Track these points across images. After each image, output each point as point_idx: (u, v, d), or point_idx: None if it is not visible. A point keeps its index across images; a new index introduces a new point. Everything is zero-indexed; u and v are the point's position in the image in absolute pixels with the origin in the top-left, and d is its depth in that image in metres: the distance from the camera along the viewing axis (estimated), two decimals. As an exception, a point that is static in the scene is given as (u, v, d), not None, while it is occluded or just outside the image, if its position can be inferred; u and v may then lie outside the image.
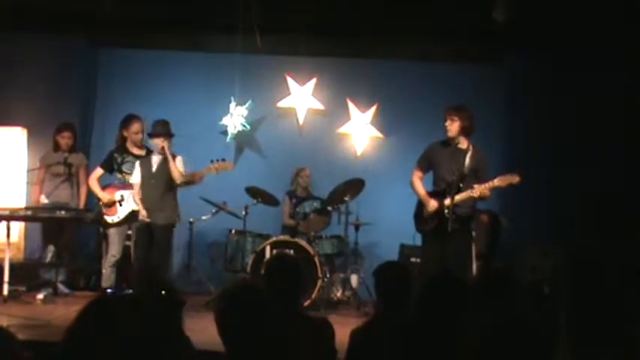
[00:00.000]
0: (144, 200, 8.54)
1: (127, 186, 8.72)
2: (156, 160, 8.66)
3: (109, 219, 8.70)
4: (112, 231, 8.74)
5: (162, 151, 8.43)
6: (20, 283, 9.89)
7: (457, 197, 7.82)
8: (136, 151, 8.81)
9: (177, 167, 8.49)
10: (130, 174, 8.73)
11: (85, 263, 10.31)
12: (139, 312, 1.97)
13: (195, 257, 10.53)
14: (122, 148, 8.82)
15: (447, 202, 7.84)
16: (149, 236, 8.55)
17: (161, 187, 8.53)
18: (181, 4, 10.53)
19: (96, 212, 9.18)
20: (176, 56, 11.71)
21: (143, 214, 8.47)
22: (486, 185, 7.81)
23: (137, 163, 8.63)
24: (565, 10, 9.58)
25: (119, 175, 8.79)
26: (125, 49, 11.74)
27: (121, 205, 8.68)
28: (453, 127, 7.94)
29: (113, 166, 8.82)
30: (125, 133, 8.80)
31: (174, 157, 8.54)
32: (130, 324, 1.92)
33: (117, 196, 8.68)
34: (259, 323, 3.35)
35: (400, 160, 10.61)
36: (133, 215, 8.68)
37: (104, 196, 8.71)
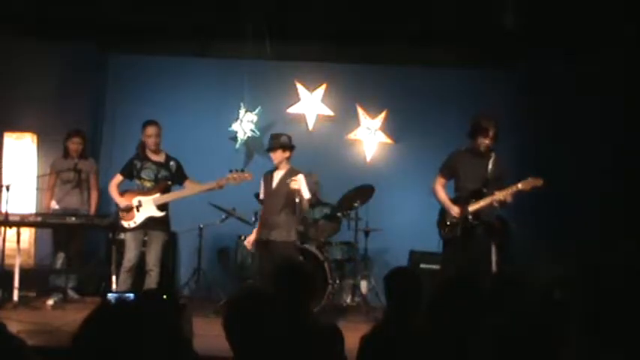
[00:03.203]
0: None
1: (145, 192, 8.73)
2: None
3: (125, 224, 8.71)
4: (128, 236, 8.75)
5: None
6: (30, 289, 9.92)
7: (481, 203, 7.86)
8: (154, 157, 8.82)
9: None
10: (149, 180, 8.76)
11: (95, 269, 10.31)
12: (141, 317, 1.96)
13: (204, 263, 10.53)
14: (142, 154, 8.84)
15: (471, 208, 7.83)
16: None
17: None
18: (191, 10, 10.53)
19: (113, 217, 9.20)
20: (186, 62, 11.73)
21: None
22: (509, 190, 7.78)
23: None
24: (574, 17, 9.56)
25: (138, 182, 8.80)
26: (135, 55, 11.76)
27: (138, 211, 8.69)
28: (491, 137, 7.90)
29: (132, 173, 8.83)
30: (143, 139, 8.83)
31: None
32: (132, 329, 1.91)
33: (134, 202, 8.69)
34: (268, 330, 3.35)
35: (410, 166, 10.61)
36: (149, 221, 8.69)
37: (122, 201, 8.73)
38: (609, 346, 3.21)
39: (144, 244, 8.86)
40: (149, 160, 8.81)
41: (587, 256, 8.42)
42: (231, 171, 8.70)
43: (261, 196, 8.93)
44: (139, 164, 8.80)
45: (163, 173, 8.87)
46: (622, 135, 9.92)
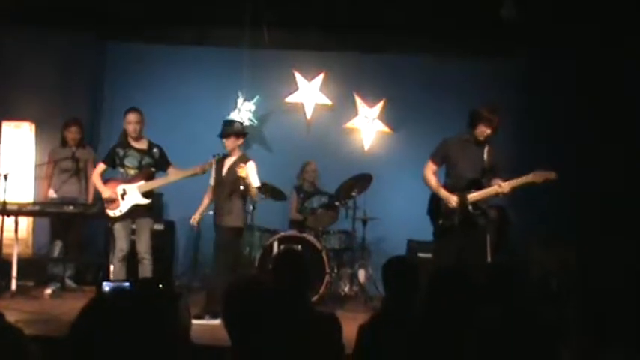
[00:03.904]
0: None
1: (130, 180, 8.71)
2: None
3: (111, 213, 8.68)
4: (116, 226, 8.72)
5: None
6: (28, 278, 9.94)
7: (482, 193, 7.81)
8: (136, 144, 8.79)
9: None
10: (132, 168, 8.74)
11: (93, 258, 10.32)
12: (137, 305, 1.96)
13: (201, 252, 10.53)
14: (124, 142, 8.80)
15: (472, 197, 7.79)
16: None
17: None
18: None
19: (99, 207, 9.18)
20: (183, 51, 11.71)
21: None
22: (519, 181, 7.72)
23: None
24: (576, 8, 9.56)
25: (121, 170, 8.77)
26: (133, 44, 11.76)
27: (123, 199, 8.67)
28: (493, 127, 7.87)
29: (115, 161, 8.80)
30: (124, 126, 8.79)
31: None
32: (128, 318, 1.92)
33: (119, 190, 8.66)
34: (266, 318, 3.35)
35: (408, 155, 10.61)
36: (135, 209, 8.68)
37: (105, 190, 8.69)
38: (608, 341, 3.23)
39: (133, 232, 8.85)
40: (132, 147, 8.76)
41: (585, 250, 8.43)
42: (214, 156, 8.71)
43: (211, 181, 8.87)
44: (121, 152, 8.76)
45: (147, 160, 8.82)
46: (620, 126, 9.91)
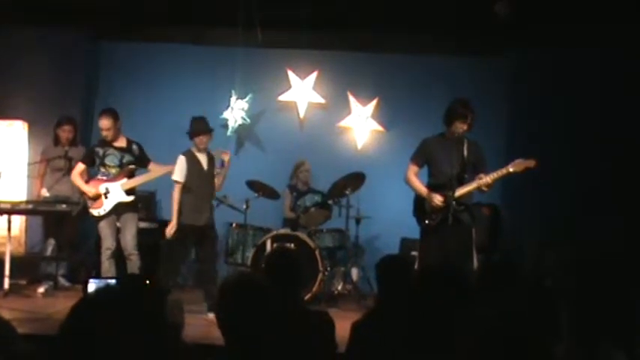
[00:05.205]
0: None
1: (111, 178, 8.71)
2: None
3: (94, 212, 8.68)
4: (102, 224, 8.72)
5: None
6: (21, 277, 9.94)
7: (466, 188, 7.83)
8: (115, 143, 8.79)
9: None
10: (114, 166, 8.74)
11: (86, 256, 10.31)
12: (123, 302, 1.96)
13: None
14: (103, 141, 8.80)
15: (457, 193, 7.80)
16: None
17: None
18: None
19: (81, 206, 9.17)
20: (177, 49, 11.71)
21: None
22: (499, 172, 7.75)
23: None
24: (567, 7, 9.58)
25: (102, 169, 8.76)
26: (126, 42, 11.75)
27: (106, 197, 8.68)
28: (468, 123, 7.90)
29: (95, 160, 8.80)
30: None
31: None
32: (113, 315, 1.91)
33: (102, 189, 8.66)
34: (259, 317, 3.35)
35: (401, 154, 10.55)
36: (119, 206, 8.68)
37: (89, 190, 8.69)
38: (601, 340, 3.23)
39: (118, 231, 8.86)
40: (111, 146, 8.76)
41: (579, 246, 8.43)
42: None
43: (179, 177, 8.69)
44: (101, 151, 8.76)
45: (128, 158, 8.84)
46: (608, 120, 9.92)
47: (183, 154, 8.73)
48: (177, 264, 8.95)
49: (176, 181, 8.67)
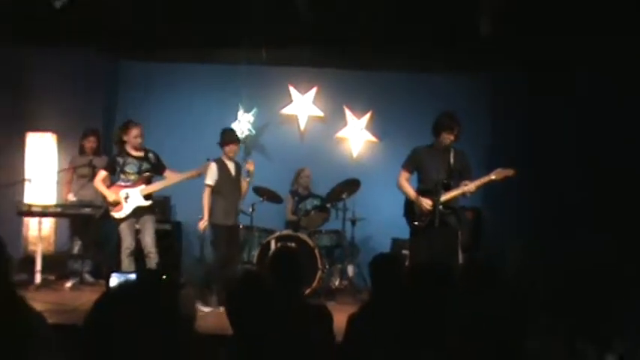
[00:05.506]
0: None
1: (131, 185, 8.73)
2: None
3: (115, 215, 8.71)
4: (122, 226, 8.74)
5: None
6: (51, 273, 9.99)
7: (452, 193, 7.84)
8: (134, 152, 8.81)
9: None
10: (133, 174, 8.75)
11: (108, 255, 10.31)
12: (141, 294, 1.97)
13: (206, 250, 10.53)
14: (123, 151, 8.82)
15: (444, 198, 7.82)
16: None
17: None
18: (194, 21, 10.55)
19: (104, 209, 9.22)
20: (189, 68, 11.72)
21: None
22: (482, 180, 7.79)
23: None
24: (546, 28, 9.55)
25: (123, 176, 8.78)
26: (143, 62, 11.76)
27: (126, 202, 8.70)
28: (455, 134, 7.92)
29: (115, 168, 8.82)
30: (125, 138, 8.80)
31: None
32: (133, 306, 1.92)
33: (122, 194, 8.68)
34: (264, 310, 3.36)
35: (393, 162, 10.51)
36: (138, 210, 8.70)
37: (110, 195, 8.72)
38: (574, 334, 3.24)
39: (138, 231, 8.87)
40: (130, 155, 8.79)
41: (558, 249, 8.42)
42: (208, 159, 8.83)
43: (211, 181, 8.85)
44: (121, 160, 8.78)
45: (145, 166, 8.84)
46: (584, 131, 9.86)
47: (215, 161, 8.89)
48: (219, 263, 8.91)
49: (207, 185, 8.83)
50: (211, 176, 8.85)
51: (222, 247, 8.85)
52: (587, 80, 9.73)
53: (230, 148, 8.93)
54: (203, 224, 8.86)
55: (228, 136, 9.03)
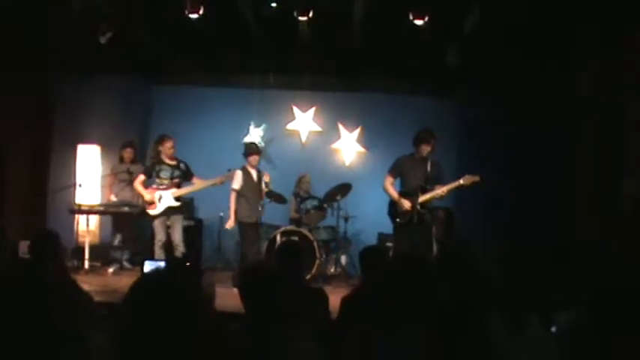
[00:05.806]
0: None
1: (164, 188, 8.77)
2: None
3: (150, 212, 8.77)
4: (156, 222, 8.79)
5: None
6: (96, 260, 10.06)
7: (428, 196, 7.91)
8: (168, 161, 8.85)
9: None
10: (166, 179, 8.78)
11: (143, 246, 10.32)
12: (170, 279, 2.00)
13: (223, 242, 10.58)
14: (159, 160, 8.85)
15: (421, 199, 7.87)
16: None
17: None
18: (214, 52, 10.67)
19: (140, 208, 9.38)
20: (209, 91, 11.76)
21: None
22: (453, 184, 7.85)
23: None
24: (508, 57, 9.55)
25: (157, 180, 8.82)
26: (171, 86, 11.80)
27: (159, 202, 8.75)
28: (432, 146, 7.97)
29: (152, 174, 8.86)
30: (160, 148, 8.83)
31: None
32: (163, 289, 1.95)
33: (156, 195, 8.73)
34: (271, 292, 3.37)
35: (379, 169, 10.53)
36: (169, 209, 8.75)
37: (147, 194, 8.77)
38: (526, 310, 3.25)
39: (169, 227, 8.91)
40: (165, 163, 8.83)
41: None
42: (229, 170, 8.85)
43: (237, 186, 8.90)
44: (157, 167, 8.84)
45: (177, 173, 8.89)
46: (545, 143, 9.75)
47: (240, 169, 8.99)
48: (250, 253, 8.89)
49: (234, 189, 8.91)
50: (237, 182, 8.90)
51: (248, 240, 8.88)
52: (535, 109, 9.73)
53: (253, 158, 9.02)
54: (230, 224, 8.96)
55: (251, 149, 9.15)
